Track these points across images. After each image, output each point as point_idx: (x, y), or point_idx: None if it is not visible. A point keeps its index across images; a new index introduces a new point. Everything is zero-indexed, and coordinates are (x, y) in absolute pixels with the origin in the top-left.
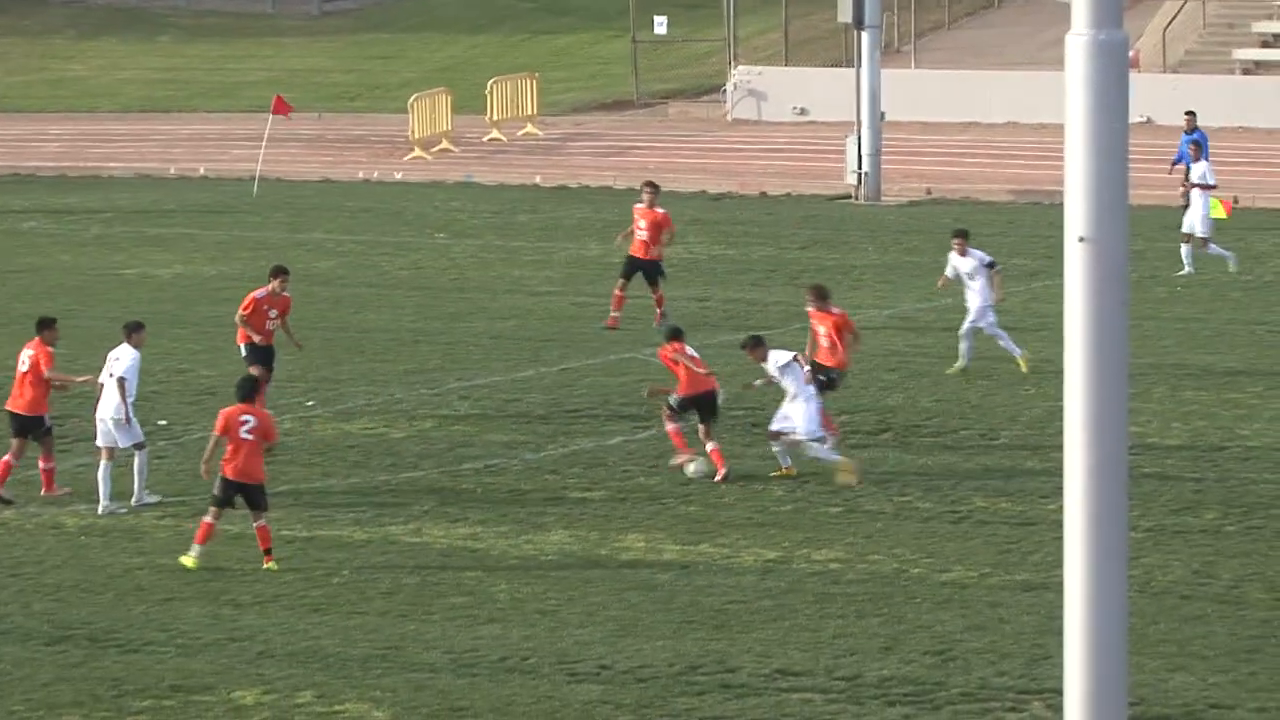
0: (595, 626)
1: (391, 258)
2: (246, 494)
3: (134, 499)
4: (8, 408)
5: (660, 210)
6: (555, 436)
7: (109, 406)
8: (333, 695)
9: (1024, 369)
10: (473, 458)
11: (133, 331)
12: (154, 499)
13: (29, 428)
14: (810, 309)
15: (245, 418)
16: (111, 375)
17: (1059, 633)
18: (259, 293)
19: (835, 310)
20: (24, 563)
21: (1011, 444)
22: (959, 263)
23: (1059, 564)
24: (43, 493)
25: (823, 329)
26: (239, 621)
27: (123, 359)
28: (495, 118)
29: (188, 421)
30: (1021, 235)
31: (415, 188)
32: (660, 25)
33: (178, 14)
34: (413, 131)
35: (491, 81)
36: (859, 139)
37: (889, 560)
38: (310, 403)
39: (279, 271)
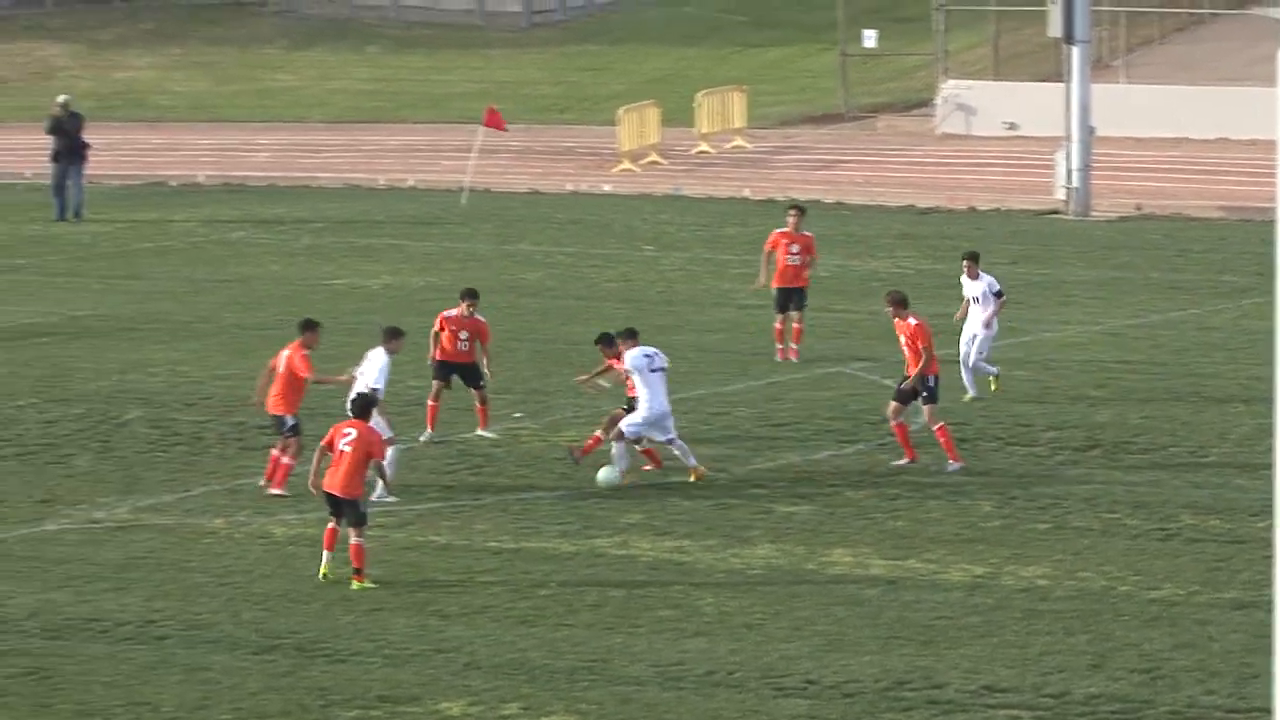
0: (802, 641)
1: (600, 270)
2: (339, 507)
3: (376, 493)
4: (268, 410)
5: (808, 234)
6: (762, 450)
7: None
8: (539, 707)
9: (994, 388)
10: (680, 471)
11: (390, 338)
12: (391, 499)
13: (278, 427)
14: (895, 319)
15: (347, 430)
16: (360, 374)
17: (1268, 651)
18: (449, 313)
19: (911, 320)
20: (233, 572)
21: (1221, 461)
22: (968, 286)
23: (1269, 582)
24: (273, 490)
25: (902, 338)
26: (446, 632)
27: (374, 362)
28: (704, 130)
29: (396, 432)
30: (1231, 252)
31: (623, 200)
32: (870, 39)
33: (387, 25)
34: (621, 144)
35: (700, 94)
36: (1068, 154)
37: (1097, 577)
38: (518, 414)
39: (468, 294)
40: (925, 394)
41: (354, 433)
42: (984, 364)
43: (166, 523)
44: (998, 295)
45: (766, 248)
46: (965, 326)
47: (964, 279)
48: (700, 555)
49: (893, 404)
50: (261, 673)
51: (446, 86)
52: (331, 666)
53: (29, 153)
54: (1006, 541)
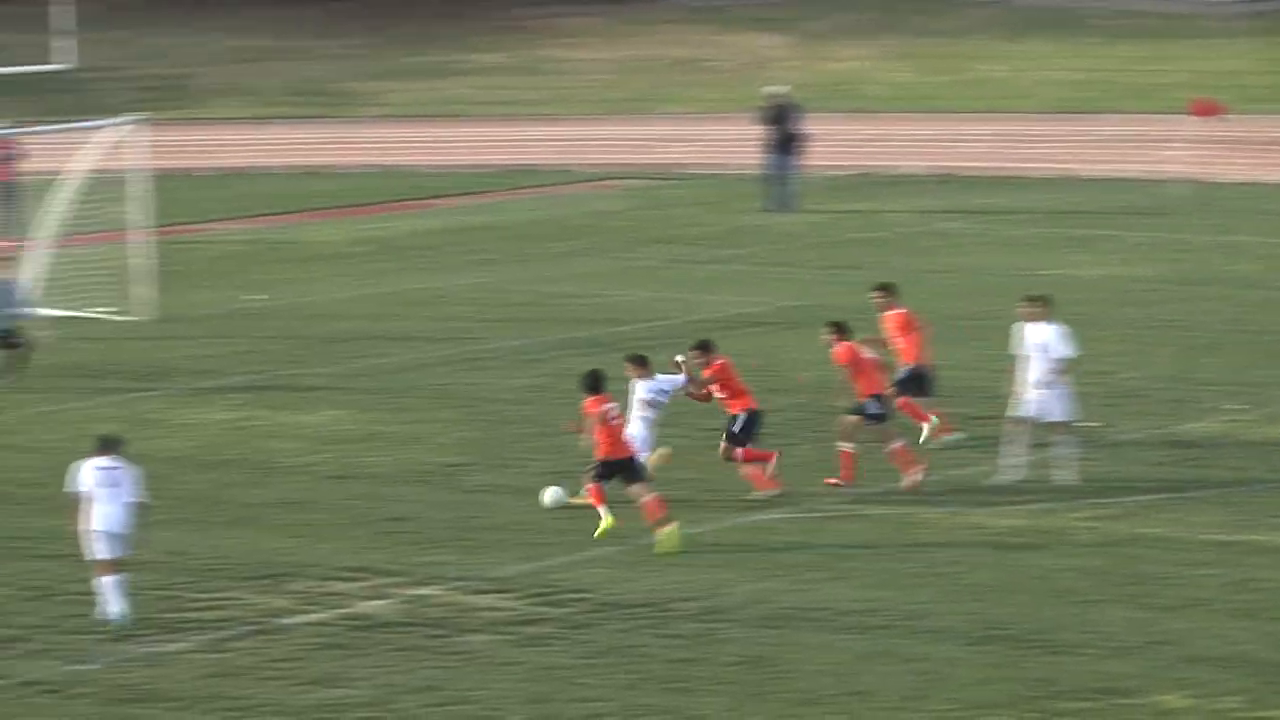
0: None
1: None
2: (632, 467)
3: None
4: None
5: None
6: None
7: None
8: (1262, 701)
9: None
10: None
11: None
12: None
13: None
14: None
15: (608, 406)
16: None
17: None
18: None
19: None
20: (947, 562)
21: None
22: None
23: None
24: (908, 479)
25: None
26: (1161, 625)
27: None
28: None
29: (1110, 423)
30: None
31: None
32: None
33: (1101, 15)
34: None
35: None
36: None
37: None
38: (1238, 406)
39: (878, 289)
40: None
41: (614, 407)
42: None
43: (884, 513)
44: None
45: None
46: None
47: None
48: None
49: None
50: (977, 663)
51: (1157, 77)
52: (1048, 658)
53: (737, 143)
54: None
